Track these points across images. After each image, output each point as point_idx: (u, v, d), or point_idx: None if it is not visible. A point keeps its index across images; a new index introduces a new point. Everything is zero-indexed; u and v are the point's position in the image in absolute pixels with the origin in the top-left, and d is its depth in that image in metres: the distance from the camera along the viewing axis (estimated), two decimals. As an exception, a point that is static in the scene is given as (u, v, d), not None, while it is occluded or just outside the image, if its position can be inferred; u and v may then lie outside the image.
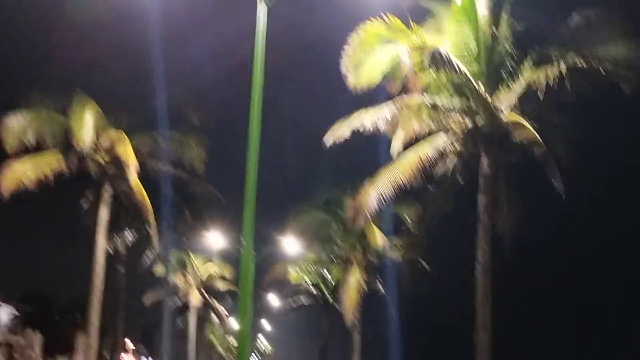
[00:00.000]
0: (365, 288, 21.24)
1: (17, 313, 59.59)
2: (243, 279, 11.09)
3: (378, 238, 20.20)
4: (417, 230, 16.58)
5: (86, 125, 17.48)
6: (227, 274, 43.67)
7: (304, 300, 35.75)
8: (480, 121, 12.61)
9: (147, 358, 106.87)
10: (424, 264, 20.16)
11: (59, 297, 69.23)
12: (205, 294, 44.97)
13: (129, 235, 27.01)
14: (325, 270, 31.83)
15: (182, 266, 43.36)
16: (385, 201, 17.17)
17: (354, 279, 20.78)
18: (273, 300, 54.03)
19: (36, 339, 63.00)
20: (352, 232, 22.02)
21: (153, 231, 19.86)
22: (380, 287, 23.75)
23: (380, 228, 21.22)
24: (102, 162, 18.46)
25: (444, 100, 13.09)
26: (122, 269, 23.10)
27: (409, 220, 20.79)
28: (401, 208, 21.17)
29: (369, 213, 15.35)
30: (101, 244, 18.50)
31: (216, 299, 48.38)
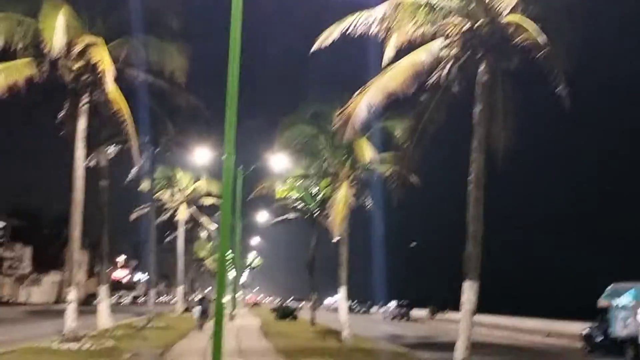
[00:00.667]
0: (353, 202, 20.95)
1: (4, 227, 59.94)
2: (225, 193, 10.68)
3: (367, 152, 19.66)
4: (408, 143, 16.00)
5: (57, 28, 16.24)
6: (215, 189, 43.49)
7: (291, 215, 35.87)
8: (479, 22, 11.79)
9: (140, 273, 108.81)
10: (414, 178, 19.73)
11: (47, 212, 69.40)
12: (192, 210, 44.99)
13: (111, 150, 26.39)
14: (312, 185, 31.60)
15: (169, 182, 43.05)
16: (375, 113, 16.54)
17: (342, 194, 20.42)
18: (261, 216, 54.51)
19: (26, 253, 63.78)
20: (341, 146, 21.44)
21: (133, 142, 19.14)
22: (368, 201, 23.49)
23: (369, 142, 20.65)
24: (77, 69, 17.45)
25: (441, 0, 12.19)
26: (105, 182, 22.54)
27: (399, 134, 20.20)
28: (392, 121, 20.54)
29: (358, 124, 14.74)
30: (80, 157, 17.82)
31: (204, 215, 48.62)
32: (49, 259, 63.68)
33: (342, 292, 21.75)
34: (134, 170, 30.62)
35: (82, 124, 17.94)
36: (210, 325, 32.09)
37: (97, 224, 23.40)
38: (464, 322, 11.50)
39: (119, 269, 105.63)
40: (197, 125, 29.83)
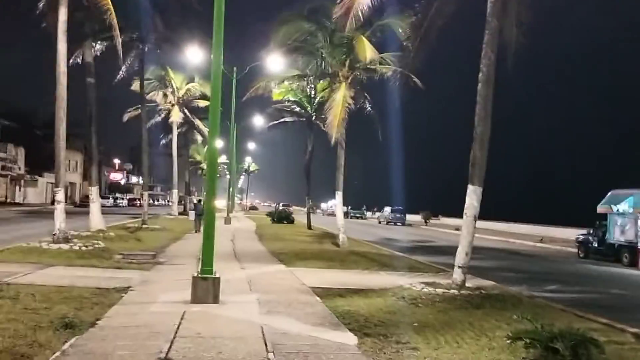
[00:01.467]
0: (352, 105, 20.04)
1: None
2: (213, 92, 9.86)
3: (368, 50, 18.49)
4: (413, 40, 14.89)
5: None
6: (208, 91, 42.21)
7: (288, 118, 35.00)
8: None
9: (135, 176, 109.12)
10: (417, 80, 18.76)
11: (40, 112, 68.12)
12: (186, 112, 43.95)
13: (98, 46, 25.08)
14: (309, 88, 30.52)
15: (161, 83, 41.73)
16: (377, 5, 15.30)
17: (340, 95, 19.47)
18: (257, 121, 53.58)
19: (20, 154, 63.19)
20: (340, 45, 20.25)
21: (116, 35, 17.94)
22: (368, 104, 22.59)
23: (370, 42, 19.43)
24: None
25: None
26: (91, 79, 21.46)
27: (402, 32, 19.00)
28: (395, 18, 19.26)
29: (360, 15, 13.62)
30: (62, 50, 16.68)
31: (199, 118, 47.65)
32: (44, 160, 63.14)
33: (339, 196, 21.37)
34: (123, 68, 29.39)
35: (62, 14, 16.64)
36: (215, 224, 32.34)
37: (87, 125, 22.56)
38: (466, 228, 11.02)
39: (116, 172, 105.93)
40: (189, 22, 28.33)
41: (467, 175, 11.20)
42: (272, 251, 18.62)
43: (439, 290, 10.25)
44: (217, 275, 9.22)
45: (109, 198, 79.79)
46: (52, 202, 62.38)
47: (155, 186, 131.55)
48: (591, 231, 25.49)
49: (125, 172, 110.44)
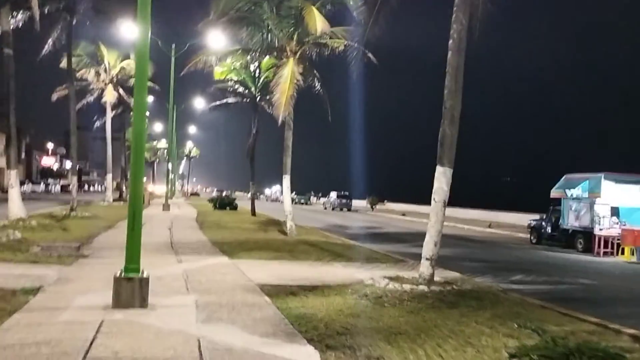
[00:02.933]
0: (301, 81, 18.52)
1: None
2: (138, 65, 8.20)
3: (318, 22, 16.95)
4: (366, 14, 13.51)
5: None
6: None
7: (231, 99, 33.19)
8: None
9: (68, 160, 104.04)
10: (371, 56, 17.44)
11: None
12: (121, 92, 41.26)
13: (19, 17, 22.62)
14: (253, 65, 28.79)
15: (93, 60, 38.90)
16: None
17: (288, 70, 17.90)
18: (198, 104, 51.28)
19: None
20: (288, 16, 18.66)
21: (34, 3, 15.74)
22: (317, 82, 21.10)
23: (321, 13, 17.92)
24: None
25: None
26: (8, 51, 19.02)
27: (353, 4, 17.63)
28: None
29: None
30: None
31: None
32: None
33: (287, 181, 19.85)
34: (50, 42, 26.78)
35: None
36: (149, 212, 30.42)
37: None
38: (435, 216, 9.74)
39: (48, 157, 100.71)
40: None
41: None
42: (213, 241, 16.97)
43: (406, 287, 8.96)
44: (146, 274, 7.61)
45: (39, 183, 75.59)
46: (-24, 189, 57.72)
47: (91, 171, 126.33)
48: (544, 216, 25.03)
49: (58, 156, 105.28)
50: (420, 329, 6.88)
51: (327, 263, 13.19)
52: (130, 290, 7.48)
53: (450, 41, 9.75)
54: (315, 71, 20.73)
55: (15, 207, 18.84)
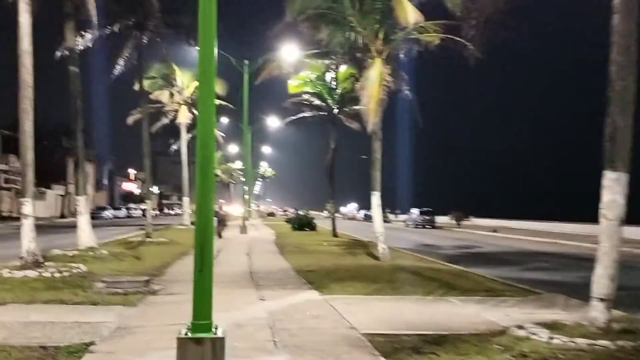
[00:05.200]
0: (390, 84, 16.21)
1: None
2: (202, 70, 6.17)
3: (409, 12, 14.66)
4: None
5: None
6: (219, 89, 38.67)
7: (307, 112, 31.45)
8: None
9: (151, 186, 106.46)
10: (475, 51, 14.87)
11: (47, 122, 65.22)
12: (195, 112, 40.42)
13: (89, 35, 21.75)
14: (331, 70, 26.90)
15: (166, 81, 38.28)
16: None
17: (376, 72, 15.65)
18: (272, 123, 50.06)
19: (24, 167, 60.07)
20: (373, 10, 16.45)
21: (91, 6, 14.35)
22: (404, 85, 18.73)
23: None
24: None
25: None
26: (74, 69, 17.83)
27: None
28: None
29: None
30: (25, 23, 13.09)
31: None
32: (52, 171, 60.16)
33: (376, 198, 17.44)
34: (121, 62, 25.98)
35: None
36: (226, 235, 29.06)
37: (93, 130, 19.12)
38: (608, 239, 7.02)
39: (129, 182, 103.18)
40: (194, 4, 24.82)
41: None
42: (297, 269, 14.81)
43: (580, 342, 6.32)
44: (221, 332, 5.46)
45: (120, 209, 76.91)
46: (62, 216, 59.36)
47: (171, 195, 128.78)
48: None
49: (140, 182, 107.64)
50: None
51: (441, 298, 10.66)
52: (200, 356, 5.35)
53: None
54: (403, 73, 18.41)
55: (85, 235, 17.50)
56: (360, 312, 8.92)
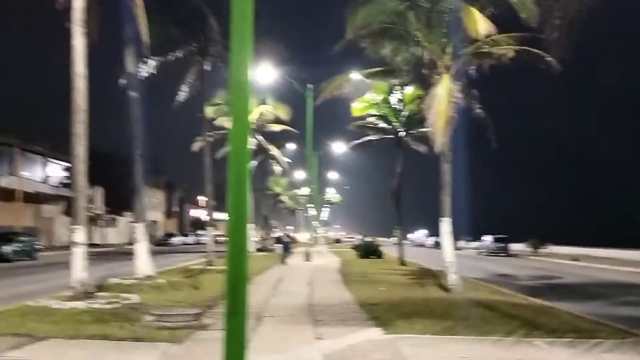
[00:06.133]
0: (460, 101, 15.00)
1: (69, 167, 57.88)
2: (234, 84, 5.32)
3: (480, 23, 13.49)
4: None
5: None
6: (282, 114, 38.41)
7: (372, 136, 30.50)
8: None
9: (221, 213, 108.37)
10: (551, 60, 13.52)
11: (119, 151, 67.40)
12: (260, 138, 40.32)
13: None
14: (395, 98, 25.96)
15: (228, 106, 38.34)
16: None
17: (444, 88, 14.47)
18: (337, 148, 49.34)
19: (97, 194, 61.96)
20: (439, 24, 15.37)
21: (142, 24, 14.00)
22: (475, 103, 17.42)
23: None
24: None
25: None
26: (134, 94, 17.65)
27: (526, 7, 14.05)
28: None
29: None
30: (78, 47, 12.86)
31: (275, 146, 44.01)
32: (123, 199, 61.73)
33: (447, 224, 16.06)
34: (185, 88, 25.95)
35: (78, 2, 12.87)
36: (293, 261, 28.53)
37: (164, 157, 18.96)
38: None
39: (198, 209, 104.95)
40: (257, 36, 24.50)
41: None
42: (361, 302, 13.64)
43: None
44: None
45: (188, 235, 78.01)
46: (131, 243, 60.78)
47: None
48: None
49: (209, 208, 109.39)
50: None
51: (524, 340, 9.22)
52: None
53: None
54: (472, 90, 17.12)
55: (142, 264, 17.05)
56: (430, 357, 7.71)
